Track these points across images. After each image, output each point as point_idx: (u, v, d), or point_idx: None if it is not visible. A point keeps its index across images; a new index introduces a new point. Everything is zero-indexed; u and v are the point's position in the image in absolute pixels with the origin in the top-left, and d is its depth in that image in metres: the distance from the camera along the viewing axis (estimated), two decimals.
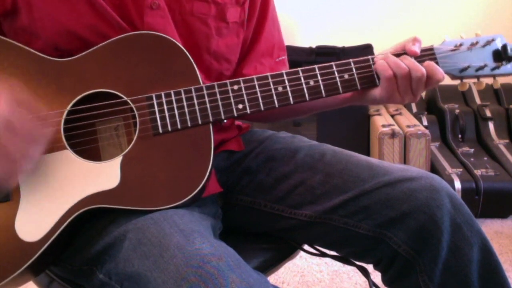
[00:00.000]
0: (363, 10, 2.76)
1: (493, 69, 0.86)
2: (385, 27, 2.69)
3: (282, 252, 0.99)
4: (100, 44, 0.79)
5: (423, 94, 2.78)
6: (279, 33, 1.05)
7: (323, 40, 2.66)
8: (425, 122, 2.51)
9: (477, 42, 0.87)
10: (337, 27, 2.75)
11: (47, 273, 0.87)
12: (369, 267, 0.96)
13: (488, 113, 2.51)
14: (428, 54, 0.86)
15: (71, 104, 0.77)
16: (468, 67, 0.86)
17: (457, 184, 2.15)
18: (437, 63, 0.85)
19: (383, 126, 2.31)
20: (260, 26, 0.99)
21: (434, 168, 2.29)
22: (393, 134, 2.24)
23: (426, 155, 2.24)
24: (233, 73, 0.98)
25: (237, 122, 1.05)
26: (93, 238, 0.77)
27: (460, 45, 0.87)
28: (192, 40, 0.88)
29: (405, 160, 2.27)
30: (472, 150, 2.42)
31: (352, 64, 0.84)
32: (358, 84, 0.84)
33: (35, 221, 0.74)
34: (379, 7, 2.75)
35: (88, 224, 0.79)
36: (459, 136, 2.51)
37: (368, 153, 2.50)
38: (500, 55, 0.86)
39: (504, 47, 0.86)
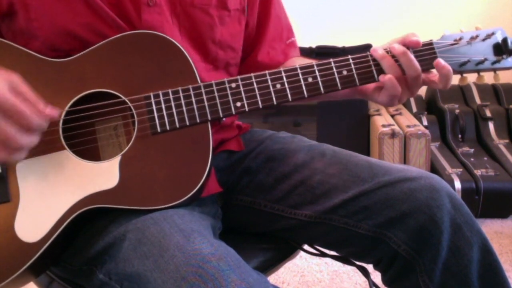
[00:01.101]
0: (363, 10, 2.76)
1: (493, 63, 0.85)
2: (385, 27, 2.69)
3: (282, 252, 0.99)
4: (97, 44, 0.79)
5: (423, 94, 2.78)
6: (285, 15, 1.05)
7: (323, 40, 2.66)
8: (425, 122, 2.51)
9: (477, 36, 0.85)
10: (337, 27, 2.75)
11: (47, 273, 0.87)
12: (369, 267, 0.96)
13: (488, 113, 2.51)
14: (427, 49, 0.84)
15: (69, 105, 0.77)
16: (468, 61, 0.85)
17: (457, 184, 2.15)
18: (436, 57, 0.84)
19: (383, 126, 2.31)
20: (266, 11, 0.99)
21: (434, 168, 2.29)
22: (393, 134, 2.24)
23: (426, 155, 2.24)
24: (244, 62, 0.98)
25: (237, 122, 1.05)
26: (93, 238, 0.77)
27: (460, 39, 0.85)
28: (196, 32, 0.88)
29: (405, 160, 2.27)
30: (472, 150, 2.42)
31: (351, 60, 0.84)
32: (357, 80, 0.84)
33: (34, 221, 0.74)
34: (379, 7, 2.75)
35: (88, 224, 0.79)
36: (459, 136, 2.51)
37: (368, 153, 2.50)
38: (500, 49, 0.85)
39: (505, 40, 0.85)
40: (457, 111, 2.53)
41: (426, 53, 0.83)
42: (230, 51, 0.94)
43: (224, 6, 0.90)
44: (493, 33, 0.85)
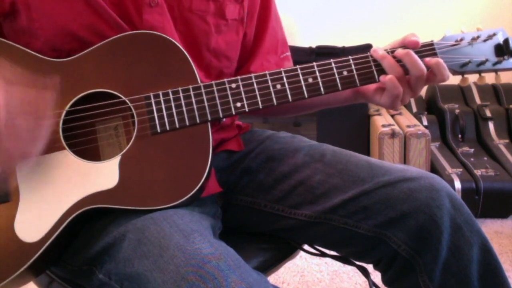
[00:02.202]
0: (363, 10, 2.76)
1: (494, 63, 0.85)
2: (385, 27, 2.69)
3: (282, 252, 0.99)
4: (98, 44, 0.79)
5: (423, 94, 2.78)
6: (281, 30, 1.05)
7: (323, 40, 2.66)
8: (425, 122, 2.51)
9: (478, 37, 0.85)
10: (337, 27, 2.75)
11: (47, 273, 0.87)
12: (369, 267, 0.96)
13: (488, 113, 2.51)
14: (428, 49, 0.84)
15: (69, 104, 0.77)
16: (469, 62, 0.85)
17: (457, 184, 2.15)
18: None
19: (383, 126, 2.31)
20: (264, 24, 0.99)
21: (434, 168, 2.29)
22: (393, 134, 2.24)
23: (426, 155, 2.24)
24: (238, 72, 0.98)
25: (237, 122, 1.05)
26: (93, 238, 0.77)
27: (461, 39, 0.86)
28: (191, 37, 0.88)
29: (405, 160, 2.27)
30: (472, 150, 2.42)
31: (351, 61, 0.84)
32: (357, 80, 0.84)
33: (34, 221, 0.74)
34: (380, 7, 2.75)
35: (88, 224, 0.79)
36: (459, 136, 2.51)
37: (368, 153, 2.50)
38: (502, 50, 0.85)
39: (506, 41, 0.85)
40: (457, 111, 2.53)
41: (427, 54, 0.84)
42: (225, 60, 0.93)
43: (222, 15, 0.90)
44: (494, 34, 0.85)
